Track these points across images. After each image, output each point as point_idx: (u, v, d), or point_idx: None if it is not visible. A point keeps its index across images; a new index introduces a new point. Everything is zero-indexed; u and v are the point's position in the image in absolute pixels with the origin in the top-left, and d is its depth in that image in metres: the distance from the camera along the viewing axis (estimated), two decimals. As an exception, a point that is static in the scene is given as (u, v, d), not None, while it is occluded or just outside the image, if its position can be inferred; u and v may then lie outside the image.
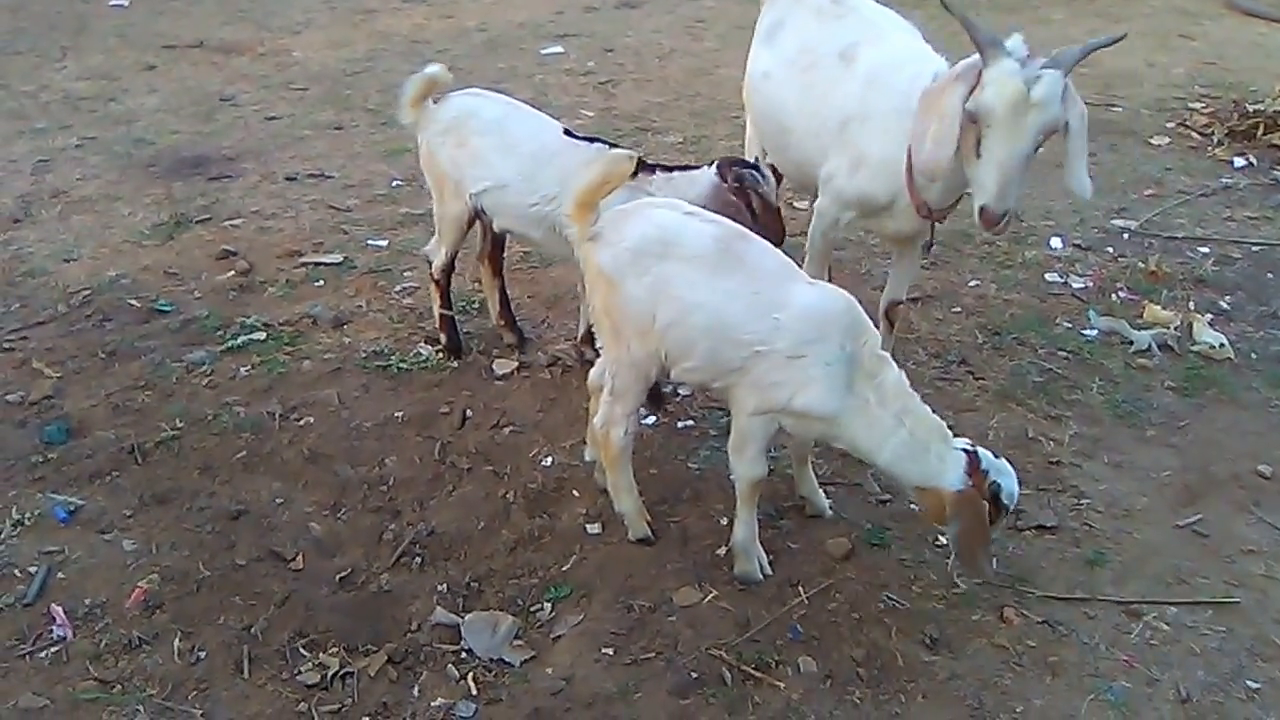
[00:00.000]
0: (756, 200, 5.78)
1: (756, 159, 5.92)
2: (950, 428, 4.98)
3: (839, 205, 6.16)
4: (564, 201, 5.53)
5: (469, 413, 6.43)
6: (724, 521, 5.57)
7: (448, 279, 6.84)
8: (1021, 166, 5.21)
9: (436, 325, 6.96)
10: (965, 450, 4.85)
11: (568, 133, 6.29)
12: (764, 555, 5.32)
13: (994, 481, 4.80)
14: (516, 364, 6.89)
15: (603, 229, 5.05)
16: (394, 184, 9.48)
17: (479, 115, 6.39)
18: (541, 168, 6.15)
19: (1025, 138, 5.12)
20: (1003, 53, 5.08)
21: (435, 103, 6.44)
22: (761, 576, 5.27)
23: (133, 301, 7.53)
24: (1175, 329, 7.40)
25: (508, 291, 7.11)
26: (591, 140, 6.27)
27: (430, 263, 6.79)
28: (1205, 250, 8.74)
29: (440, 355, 6.93)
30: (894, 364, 4.94)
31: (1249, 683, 4.85)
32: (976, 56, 5.21)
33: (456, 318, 6.98)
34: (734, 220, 5.32)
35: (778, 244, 5.38)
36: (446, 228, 6.60)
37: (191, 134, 10.76)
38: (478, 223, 6.61)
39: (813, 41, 6.39)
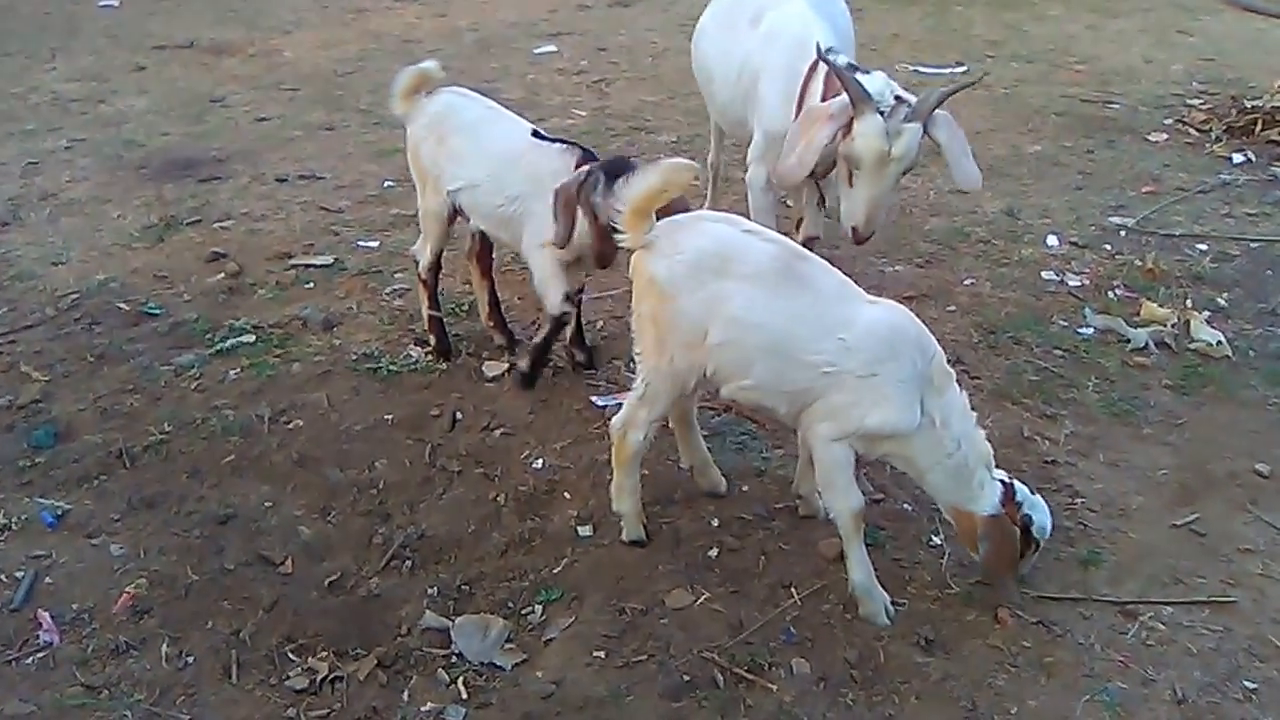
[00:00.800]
0: (585, 208, 5.71)
1: (634, 162, 5.85)
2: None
3: (756, 161, 7.06)
4: (527, 201, 6.01)
5: (459, 415, 6.39)
6: (715, 523, 5.58)
7: (435, 278, 6.87)
8: (886, 200, 6.18)
9: (425, 327, 6.94)
10: (1003, 481, 4.90)
11: (536, 134, 6.34)
12: (887, 597, 5.15)
13: (1026, 514, 4.87)
14: (507, 366, 6.83)
15: (657, 238, 5.01)
16: (385, 185, 9.45)
17: (458, 114, 6.51)
18: (508, 169, 6.25)
19: (888, 182, 6.02)
20: (870, 108, 5.81)
21: (426, 96, 6.55)
22: (888, 619, 5.09)
23: (121, 305, 7.50)
24: (1172, 326, 7.35)
25: (498, 293, 7.06)
26: (556, 141, 6.31)
27: (417, 262, 6.81)
28: (1203, 247, 8.70)
29: (430, 357, 6.89)
30: (956, 382, 4.94)
31: (1246, 683, 4.81)
32: (845, 98, 5.93)
33: (446, 319, 6.94)
34: (561, 216, 5.69)
35: (598, 265, 5.94)
36: (429, 224, 6.70)
37: (181, 135, 10.76)
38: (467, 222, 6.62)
39: (737, 4, 7.38)
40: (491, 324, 6.98)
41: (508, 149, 6.30)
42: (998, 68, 12.92)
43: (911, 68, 12.83)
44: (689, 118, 11.12)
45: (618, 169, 5.64)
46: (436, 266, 6.83)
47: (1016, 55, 13.56)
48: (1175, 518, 5.78)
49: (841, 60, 6.07)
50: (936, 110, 5.96)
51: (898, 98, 5.88)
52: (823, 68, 6.26)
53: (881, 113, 5.81)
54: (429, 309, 6.89)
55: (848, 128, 5.91)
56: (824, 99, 6.25)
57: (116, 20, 15.08)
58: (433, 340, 6.94)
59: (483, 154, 6.37)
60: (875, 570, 5.13)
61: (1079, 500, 5.87)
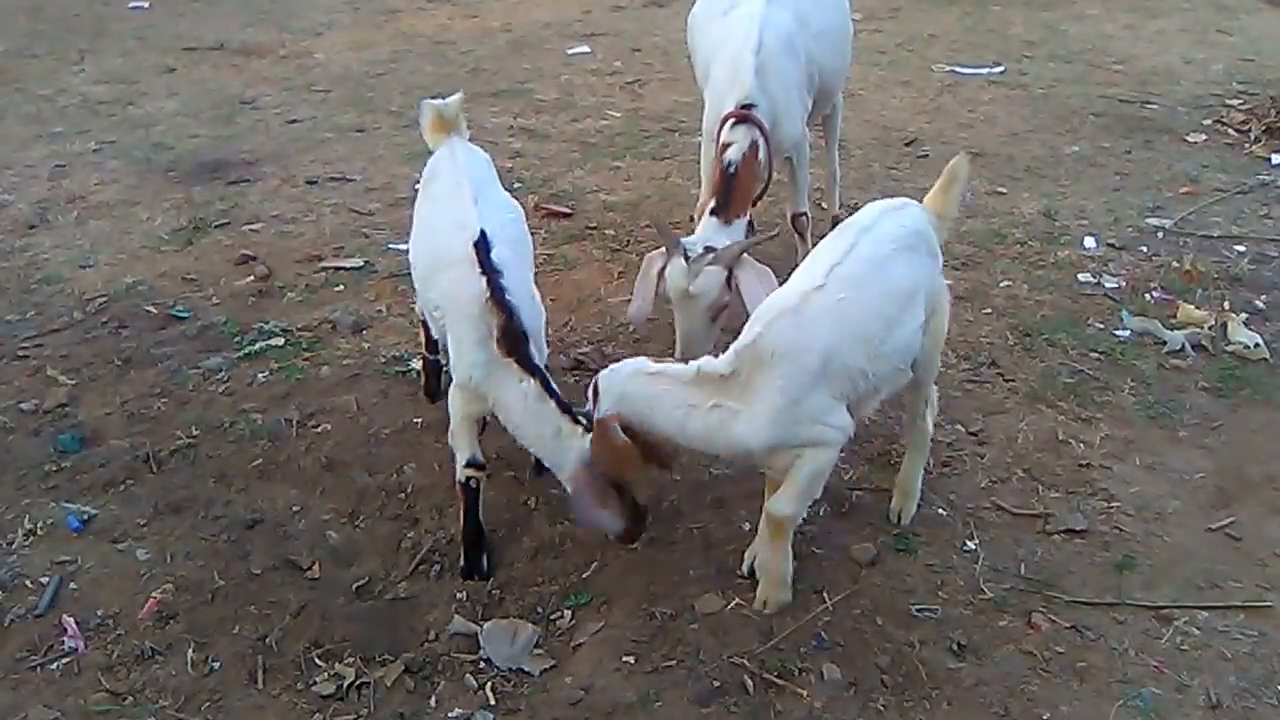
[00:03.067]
0: None
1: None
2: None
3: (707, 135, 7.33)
4: (449, 321, 5.36)
5: (489, 417, 6.33)
6: (747, 528, 5.51)
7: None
8: (699, 334, 6.21)
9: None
10: None
11: (479, 245, 5.21)
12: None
13: None
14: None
15: None
16: (416, 187, 9.29)
17: (433, 172, 6.05)
18: (435, 269, 5.45)
19: (695, 317, 6.16)
20: (677, 252, 6.15)
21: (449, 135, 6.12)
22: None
23: (149, 308, 7.50)
24: (1210, 329, 7.26)
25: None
26: (490, 271, 5.15)
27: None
28: (1241, 249, 8.59)
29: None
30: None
31: (1281, 688, 4.77)
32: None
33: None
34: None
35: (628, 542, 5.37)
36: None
37: (211, 137, 10.75)
38: None
39: None
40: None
41: (447, 249, 5.32)
42: (1035, 68, 12.84)
43: (949, 68, 12.76)
44: (722, 118, 11.08)
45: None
46: None
47: (1054, 55, 13.43)
48: (1211, 521, 5.70)
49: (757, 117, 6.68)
50: (743, 256, 6.13)
51: (708, 247, 6.20)
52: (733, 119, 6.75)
53: (687, 256, 6.11)
54: (425, 350, 6.51)
55: (664, 269, 6.28)
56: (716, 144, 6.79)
57: (146, 21, 15.10)
58: (423, 379, 6.65)
59: (424, 227, 5.76)
60: (908, 576, 5.17)
61: (1114, 504, 5.79)
